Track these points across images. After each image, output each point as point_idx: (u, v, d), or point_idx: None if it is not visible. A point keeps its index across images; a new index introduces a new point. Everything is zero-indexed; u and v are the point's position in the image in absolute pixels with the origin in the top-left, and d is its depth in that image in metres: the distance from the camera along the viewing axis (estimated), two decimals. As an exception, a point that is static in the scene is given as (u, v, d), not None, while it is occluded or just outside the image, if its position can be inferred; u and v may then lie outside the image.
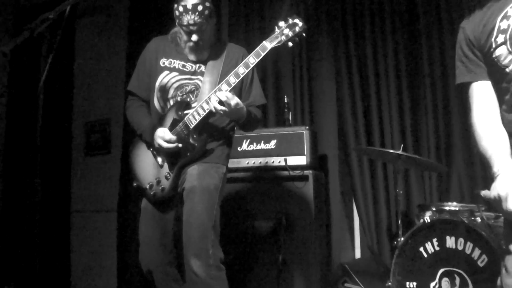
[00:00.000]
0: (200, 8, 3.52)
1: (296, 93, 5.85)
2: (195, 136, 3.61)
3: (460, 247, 3.79)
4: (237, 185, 5.01)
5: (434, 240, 3.92)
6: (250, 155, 5.07)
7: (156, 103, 3.81)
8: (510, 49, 2.36)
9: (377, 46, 5.54)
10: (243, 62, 3.54)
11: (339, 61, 5.68)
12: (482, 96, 2.55)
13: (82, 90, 6.95)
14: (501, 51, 2.39)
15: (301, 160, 4.91)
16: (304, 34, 3.52)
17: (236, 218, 4.95)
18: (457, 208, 4.14)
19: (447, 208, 4.20)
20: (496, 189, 2.28)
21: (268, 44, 3.49)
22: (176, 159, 3.67)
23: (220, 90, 3.48)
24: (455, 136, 5.09)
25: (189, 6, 3.51)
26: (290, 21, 3.49)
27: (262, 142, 5.06)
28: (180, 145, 3.59)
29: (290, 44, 3.51)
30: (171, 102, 3.74)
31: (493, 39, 2.42)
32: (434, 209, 4.27)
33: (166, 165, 3.71)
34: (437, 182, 5.18)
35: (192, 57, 3.74)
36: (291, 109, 5.61)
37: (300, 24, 3.48)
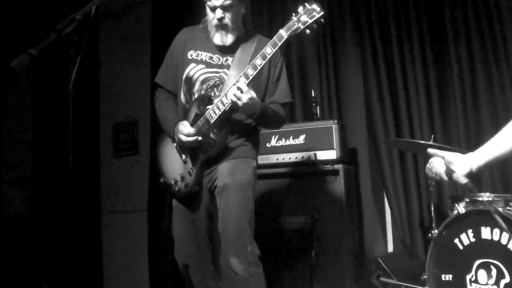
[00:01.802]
0: None
1: (323, 87, 5.80)
2: (215, 131, 3.55)
3: (496, 238, 3.72)
4: (267, 182, 4.98)
5: (469, 231, 3.84)
6: (279, 151, 5.05)
7: (182, 96, 3.77)
8: None
9: (402, 36, 5.48)
10: (260, 53, 3.41)
11: (365, 53, 5.63)
12: None
13: (108, 92, 7.00)
14: None
15: (331, 154, 4.88)
16: (322, 20, 3.32)
17: (267, 214, 4.93)
18: (490, 198, 4.06)
19: (480, 198, 4.12)
20: None
21: (284, 33, 3.35)
22: (198, 154, 3.63)
23: (238, 82, 3.40)
24: (485, 125, 5.02)
25: None
26: (308, 6, 3.31)
27: (291, 137, 5.03)
28: (199, 138, 3.54)
29: (308, 31, 3.33)
30: (196, 96, 3.69)
31: None
32: (467, 200, 4.20)
33: (189, 160, 3.68)
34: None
35: (217, 39, 3.64)
36: (318, 103, 5.58)
37: (318, 9, 3.30)
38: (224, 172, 3.58)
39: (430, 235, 4.17)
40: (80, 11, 2.63)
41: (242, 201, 3.52)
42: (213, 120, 3.52)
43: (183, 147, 3.69)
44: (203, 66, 3.69)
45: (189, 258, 3.72)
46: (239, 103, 3.36)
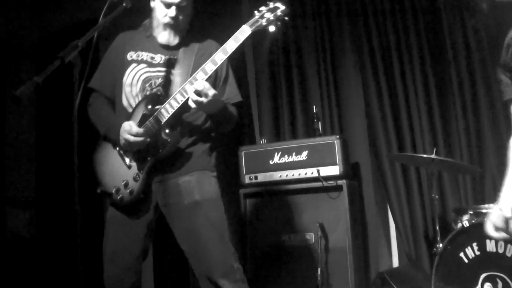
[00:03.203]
0: None
1: (324, 102, 5.81)
2: (167, 131, 3.31)
3: (501, 250, 3.74)
4: (271, 199, 5.02)
5: (474, 244, 3.86)
6: (282, 167, 5.03)
7: (124, 100, 3.50)
8: None
9: (402, 49, 5.51)
10: (221, 48, 3.28)
11: (365, 67, 5.66)
12: None
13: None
14: None
15: (334, 170, 4.87)
16: (286, 18, 3.28)
17: (271, 232, 4.94)
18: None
19: (484, 210, 4.15)
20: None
21: (247, 28, 3.25)
22: (146, 158, 3.35)
23: (195, 79, 3.24)
24: (486, 137, 5.05)
25: None
26: (271, 4, 3.27)
27: (294, 154, 5.02)
28: (148, 139, 3.30)
29: (272, 28, 3.26)
30: (140, 97, 3.45)
31: None
32: (471, 212, 4.22)
33: (134, 165, 3.38)
34: (471, 184, 5.12)
35: (163, 38, 3.50)
36: (320, 119, 5.59)
37: (282, 7, 3.26)
38: (189, 188, 3.36)
39: (435, 249, 4.18)
40: (82, 38, 2.64)
41: (218, 217, 3.39)
42: (164, 120, 3.30)
43: (127, 151, 3.41)
44: (145, 65, 3.51)
45: (120, 283, 3.41)
46: (205, 100, 3.19)
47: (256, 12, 3.28)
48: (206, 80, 3.26)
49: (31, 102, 7.27)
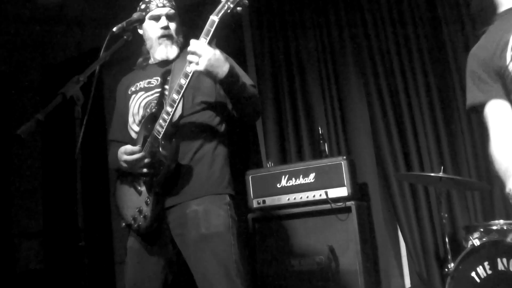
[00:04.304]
0: None
1: (330, 123, 5.82)
2: (163, 143, 3.14)
3: (512, 269, 3.71)
4: (280, 223, 5.00)
5: (486, 263, 3.82)
6: (290, 191, 5.02)
7: (131, 132, 3.44)
8: None
9: (405, 67, 5.51)
10: (190, 47, 3.05)
11: (369, 87, 5.66)
12: (499, 117, 2.45)
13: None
14: None
15: (342, 191, 4.85)
16: None
17: (281, 257, 4.93)
18: (505, 227, 4.05)
19: (494, 227, 4.11)
20: None
21: (215, 17, 3.01)
22: (152, 179, 3.22)
23: (180, 85, 3.07)
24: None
25: None
26: None
27: (301, 176, 5.01)
28: (147, 160, 3.18)
29: (239, 9, 3.01)
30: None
31: (507, 54, 2.38)
32: (481, 229, 4.18)
33: (144, 190, 3.26)
34: (480, 201, 5.09)
35: (162, 53, 3.42)
36: (326, 140, 5.59)
37: None
38: (195, 220, 3.19)
39: (446, 269, 4.15)
40: (83, 73, 2.66)
41: (224, 252, 3.17)
42: (160, 135, 3.14)
43: (136, 177, 3.31)
44: (143, 92, 3.45)
45: None
46: (202, 61, 2.98)
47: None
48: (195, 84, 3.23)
49: (35, 138, 7.31)
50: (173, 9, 3.46)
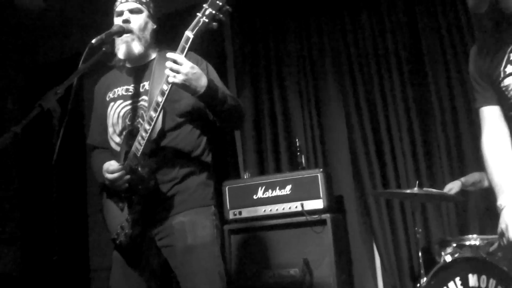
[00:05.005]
0: None
1: (308, 135, 5.87)
2: (142, 161, 3.09)
3: (483, 285, 3.74)
4: (256, 235, 5.01)
5: (457, 279, 3.86)
6: (266, 202, 5.03)
7: (111, 142, 3.38)
8: None
9: (384, 83, 5.59)
10: (167, 63, 2.97)
11: (348, 100, 5.73)
12: (491, 122, 2.61)
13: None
14: (509, 81, 2.45)
15: (317, 204, 4.87)
16: (228, 7, 2.95)
17: (256, 269, 4.93)
18: (477, 243, 4.10)
19: (467, 242, 4.16)
20: (499, 224, 2.40)
21: (190, 33, 2.94)
22: (131, 196, 3.17)
23: (157, 103, 3.01)
24: (469, 169, 5.06)
25: None
26: None
27: (278, 188, 5.02)
28: (127, 176, 3.11)
29: (215, 24, 2.94)
30: (123, 135, 3.28)
31: (501, 69, 2.47)
32: (454, 244, 4.23)
33: (126, 206, 3.21)
34: (455, 215, 5.14)
35: (123, 51, 3.31)
36: (303, 152, 5.62)
37: None
38: (182, 231, 3.17)
39: (418, 284, 4.18)
40: (61, 85, 2.65)
41: (210, 263, 3.18)
42: (139, 153, 3.08)
43: (118, 194, 3.23)
44: (121, 101, 3.36)
45: None
46: (180, 77, 2.93)
47: (198, 13, 2.97)
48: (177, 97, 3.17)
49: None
50: (138, 3, 3.35)
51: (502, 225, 2.39)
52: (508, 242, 2.34)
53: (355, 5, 5.81)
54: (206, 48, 5.16)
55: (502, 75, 2.48)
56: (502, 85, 2.48)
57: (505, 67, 2.48)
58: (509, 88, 2.46)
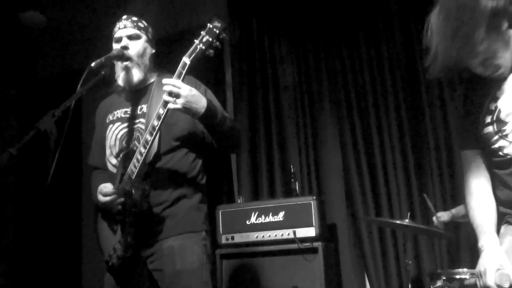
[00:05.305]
0: (135, 18, 3.42)
1: (303, 163, 5.89)
2: (136, 183, 3.13)
3: (471, 319, 3.77)
4: (247, 260, 5.00)
5: (446, 312, 3.89)
6: (259, 228, 5.02)
7: (108, 164, 3.42)
8: (496, 130, 2.51)
9: (380, 113, 5.64)
10: (165, 87, 3.01)
11: (343, 130, 5.77)
12: (473, 165, 2.67)
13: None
14: (488, 130, 2.54)
15: (310, 231, 4.86)
16: (224, 35, 3.05)
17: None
18: (467, 276, 4.11)
19: (457, 276, 4.17)
20: (478, 266, 2.43)
21: (187, 59, 3.03)
22: (124, 219, 3.20)
23: (153, 128, 3.07)
24: (462, 197, 5.07)
25: (124, 16, 3.43)
26: (209, 25, 3.04)
27: (270, 214, 5.02)
28: (121, 199, 3.15)
29: (211, 51, 3.04)
30: (120, 157, 3.32)
31: (481, 117, 2.58)
32: (444, 278, 4.24)
33: (119, 229, 3.24)
34: (446, 247, 5.16)
35: (123, 79, 3.37)
36: (297, 179, 5.64)
37: (219, 25, 3.03)
38: (171, 256, 3.19)
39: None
40: (59, 107, 2.68)
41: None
42: (134, 175, 3.13)
43: (112, 215, 3.26)
44: (119, 123, 3.42)
45: None
46: (180, 100, 2.98)
47: (195, 40, 3.06)
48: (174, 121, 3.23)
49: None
50: (136, 29, 3.40)
51: (480, 267, 2.43)
52: (484, 286, 2.38)
53: (352, 33, 5.87)
54: (205, 74, 5.23)
55: (481, 123, 2.57)
56: (482, 133, 2.56)
57: (484, 116, 2.56)
58: (488, 136, 2.55)
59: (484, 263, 2.42)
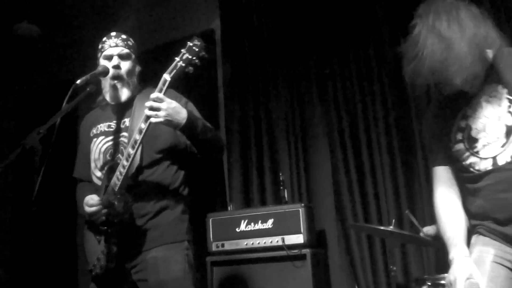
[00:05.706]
0: (124, 37, 3.49)
1: (293, 170, 5.93)
2: (119, 195, 3.21)
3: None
4: (237, 268, 5.06)
5: (430, 317, 3.95)
6: (248, 235, 5.08)
7: (93, 177, 3.51)
8: (467, 147, 2.61)
9: (369, 120, 5.69)
10: (147, 102, 3.11)
11: (333, 139, 5.82)
12: (443, 181, 2.78)
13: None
14: (460, 147, 2.64)
15: (298, 238, 4.91)
16: (203, 53, 3.11)
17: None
18: (452, 282, 4.17)
19: (442, 281, 4.22)
20: (448, 275, 2.56)
21: (167, 76, 3.10)
22: (107, 230, 3.28)
23: (135, 142, 3.15)
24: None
25: (113, 33, 3.48)
26: (189, 44, 3.11)
27: (260, 221, 5.07)
28: (104, 210, 3.22)
29: (191, 68, 3.11)
30: (105, 170, 3.39)
31: (452, 135, 2.67)
32: (429, 283, 4.30)
33: (102, 239, 3.32)
34: (434, 253, 5.21)
35: (111, 96, 3.45)
36: (287, 186, 5.71)
37: (198, 43, 3.10)
38: (155, 266, 3.26)
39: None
40: (44, 125, 2.76)
41: None
42: (117, 188, 3.22)
43: (96, 226, 3.33)
44: (103, 137, 3.49)
45: None
46: (161, 113, 3.07)
47: (175, 58, 3.14)
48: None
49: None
50: (127, 48, 3.48)
51: (451, 276, 2.53)
52: None
53: (343, 48, 5.92)
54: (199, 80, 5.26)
55: (453, 141, 2.67)
56: (453, 150, 2.67)
57: (455, 134, 2.67)
58: (459, 153, 2.65)
59: (455, 273, 2.52)
